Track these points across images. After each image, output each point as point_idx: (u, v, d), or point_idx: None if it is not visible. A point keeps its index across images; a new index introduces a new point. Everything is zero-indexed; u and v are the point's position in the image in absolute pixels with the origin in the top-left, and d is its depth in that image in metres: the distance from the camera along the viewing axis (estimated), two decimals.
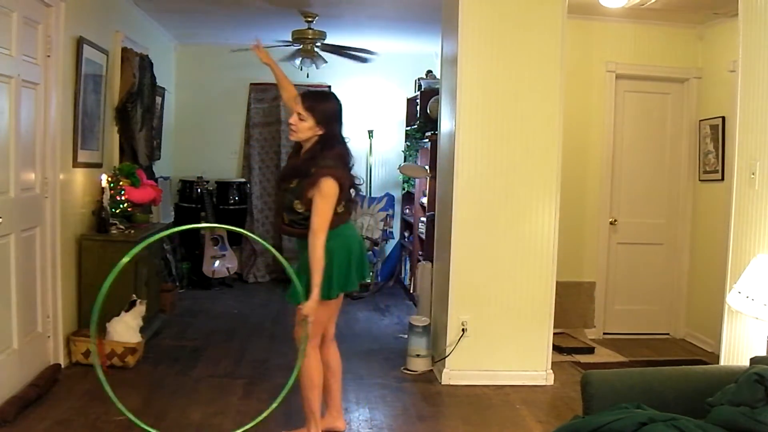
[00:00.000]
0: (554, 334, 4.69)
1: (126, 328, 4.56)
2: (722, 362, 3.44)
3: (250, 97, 8.04)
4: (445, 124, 4.76)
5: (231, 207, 7.72)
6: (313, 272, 3.16)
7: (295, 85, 8.71)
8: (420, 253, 6.75)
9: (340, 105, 3.39)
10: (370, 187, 8.03)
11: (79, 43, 4.60)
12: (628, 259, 5.98)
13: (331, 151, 3.27)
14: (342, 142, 3.36)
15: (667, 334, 6.03)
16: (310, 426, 3.48)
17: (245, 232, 3.95)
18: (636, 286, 6.00)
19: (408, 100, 7.70)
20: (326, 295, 3.27)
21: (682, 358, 5.31)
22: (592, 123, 5.78)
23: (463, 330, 4.49)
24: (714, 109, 5.62)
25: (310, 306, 3.17)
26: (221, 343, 5.29)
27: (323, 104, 3.33)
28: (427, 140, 6.53)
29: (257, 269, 7.92)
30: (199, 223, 7.45)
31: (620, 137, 5.89)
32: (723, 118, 5.46)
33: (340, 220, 3.30)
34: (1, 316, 3.71)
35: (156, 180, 6.25)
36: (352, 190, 3.38)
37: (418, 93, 7.03)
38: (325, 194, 3.16)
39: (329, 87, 8.03)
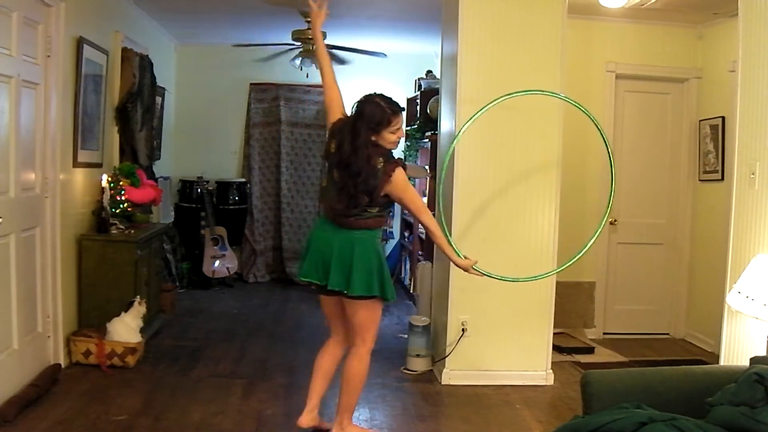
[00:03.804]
0: (554, 334, 4.70)
1: (126, 328, 4.56)
2: (722, 362, 3.44)
3: (250, 97, 8.04)
4: (445, 124, 4.76)
5: (231, 207, 7.72)
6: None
7: (295, 85, 8.76)
8: (420, 253, 6.75)
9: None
10: None
11: (79, 43, 4.60)
12: (628, 259, 5.98)
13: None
14: None
15: (667, 334, 6.03)
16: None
17: None
18: (636, 286, 6.00)
19: (408, 100, 7.69)
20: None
21: (682, 358, 5.31)
22: (592, 123, 5.75)
23: (463, 330, 4.49)
24: (714, 109, 5.62)
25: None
26: (221, 343, 5.29)
27: None
28: (427, 140, 6.53)
29: (257, 269, 7.93)
30: (199, 223, 7.46)
31: (620, 137, 5.88)
32: (723, 118, 5.46)
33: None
34: (1, 316, 3.71)
35: (156, 180, 6.25)
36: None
37: (418, 93, 7.03)
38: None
39: None
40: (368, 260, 3.35)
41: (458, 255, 3.53)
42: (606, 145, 4.00)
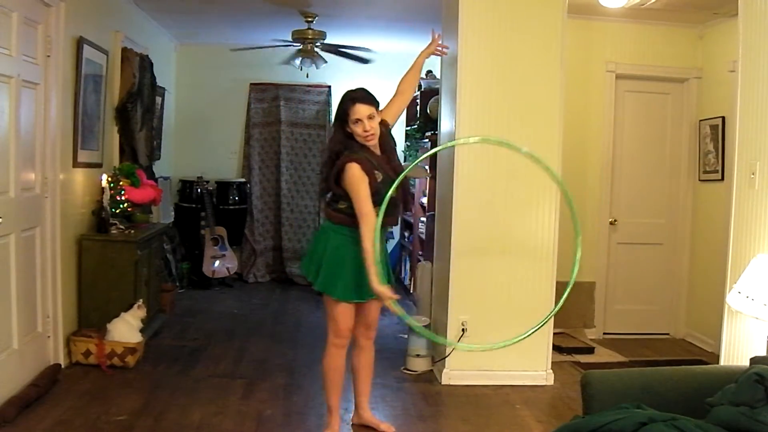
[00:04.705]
0: (554, 334, 4.70)
1: (126, 328, 4.56)
2: (722, 362, 3.44)
3: (250, 97, 8.04)
4: (445, 124, 4.76)
5: (231, 207, 7.72)
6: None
7: (295, 85, 8.73)
8: (420, 253, 6.75)
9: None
10: None
11: (79, 43, 4.60)
12: (628, 259, 5.97)
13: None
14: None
15: (667, 334, 6.02)
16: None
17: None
18: (636, 286, 5.99)
19: None
20: None
21: (682, 358, 5.31)
22: (592, 123, 5.77)
23: (463, 330, 4.48)
24: (714, 109, 5.62)
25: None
26: (221, 343, 5.29)
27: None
28: (427, 140, 6.52)
29: (257, 269, 7.92)
30: (199, 223, 7.46)
31: (620, 137, 5.89)
32: (723, 118, 5.46)
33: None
34: (1, 316, 3.71)
35: (156, 180, 6.24)
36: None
37: (418, 93, 7.02)
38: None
39: (329, 87, 8.05)
40: (315, 248, 3.48)
41: (381, 281, 3.19)
42: (561, 187, 3.58)
